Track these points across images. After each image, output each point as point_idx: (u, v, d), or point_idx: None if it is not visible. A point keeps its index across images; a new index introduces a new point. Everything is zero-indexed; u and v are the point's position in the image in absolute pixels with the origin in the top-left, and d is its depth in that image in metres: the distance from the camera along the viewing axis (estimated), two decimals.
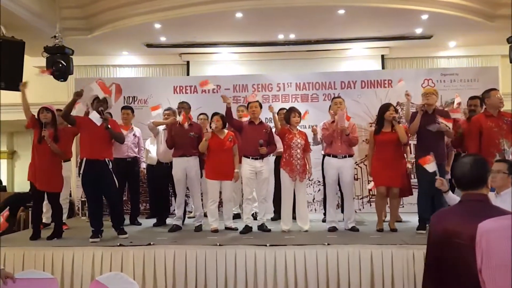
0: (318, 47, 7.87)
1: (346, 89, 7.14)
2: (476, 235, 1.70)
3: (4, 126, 7.28)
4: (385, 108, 5.07)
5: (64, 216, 5.62)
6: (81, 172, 4.78)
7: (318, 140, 5.40)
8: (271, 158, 5.54)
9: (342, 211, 5.41)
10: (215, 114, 5.33)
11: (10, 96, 5.91)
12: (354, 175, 6.66)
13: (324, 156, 5.47)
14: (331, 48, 7.97)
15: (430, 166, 3.65)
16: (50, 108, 4.89)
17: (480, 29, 7.01)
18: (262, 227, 5.13)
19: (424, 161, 3.75)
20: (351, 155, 5.17)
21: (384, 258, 4.11)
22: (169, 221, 5.74)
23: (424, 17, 6.65)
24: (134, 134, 6.07)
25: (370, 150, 5.21)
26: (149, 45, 7.70)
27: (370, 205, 6.81)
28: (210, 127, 5.28)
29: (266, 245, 4.25)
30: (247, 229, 5.02)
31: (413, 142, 6.78)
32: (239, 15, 6.48)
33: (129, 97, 7.30)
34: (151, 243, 4.36)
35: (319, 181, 6.71)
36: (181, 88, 7.33)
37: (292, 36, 7.51)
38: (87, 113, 5.56)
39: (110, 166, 4.81)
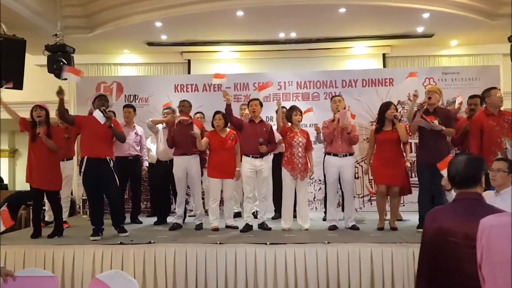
0: (319, 45, 7.87)
1: (347, 88, 7.14)
2: (477, 231, 1.70)
3: (6, 125, 7.27)
4: (385, 106, 5.06)
5: (65, 214, 5.63)
6: (82, 170, 4.78)
7: (321, 139, 5.40)
8: (270, 157, 5.54)
9: (343, 210, 5.41)
10: (217, 112, 5.33)
11: (11, 95, 5.93)
12: (355, 174, 6.69)
13: (325, 154, 5.47)
14: (332, 46, 7.96)
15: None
16: (43, 106, 4.88)
17: (481, 27, 7.00)
18: (263, 226, 5.13)
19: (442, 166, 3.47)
20: (351, 154, 5.17)
21: (384, 257, 4.11)
22: (169, 219, 5.74)
23: (426, 15, 6.64)
24: (136, 133, 6.07)
25: (370, 148, 5.22)
26: (150, 44, 7.71)
27: (371, 203, 6.80)
28: (213, 126, 5.27)
29: (266, 244, 4.24)
30: (248, 228, 5.02)
31: (413, 140, 6.80)
32: (240, 13, 6.48)
33: (130, 95, 7.32)
34: (152, 242, 4.36)
35: (320, 180, 6.71)
36: (182, 86, 7.33)
37: (293, 35, 7.50)
38: (90, 112, 5.58)
39: (111, 165, 4.81)
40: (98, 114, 4.69)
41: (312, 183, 6.80)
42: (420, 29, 7.28)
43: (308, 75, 7.30)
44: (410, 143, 6.89)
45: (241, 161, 5.21)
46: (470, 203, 2.03)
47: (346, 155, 5.09)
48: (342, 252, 4.15)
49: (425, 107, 4.86)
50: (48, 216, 5.61)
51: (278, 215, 5.80)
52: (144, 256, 4.25)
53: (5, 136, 10.44)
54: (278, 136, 5.40)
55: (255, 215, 5.46)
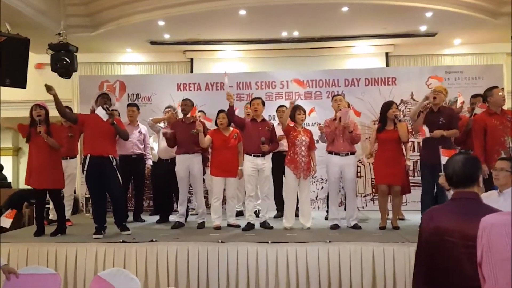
0: (321, 44, 7.86)
1: (350, 87, 7.14)
2: (475, 230, 1.70)
3: (9, 123, 7.32)
4: (387, 106, 5.06)
5: (68, 212, 5.66)
6: (85, 168, 4.79)
7: (325, 138, 5.39)
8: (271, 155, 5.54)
9: (345, 209, 5.41)
10: (220, 111, 5.34)
11: (15, 93, 5.95)
12: (357, 173, 6.69)
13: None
14: (335, 45, 7.96)
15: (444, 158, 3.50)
16: (43, 105, 4.89)
17: (485, 26, 6.98)
18: (265, 224, 5.14)
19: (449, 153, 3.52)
20: (353, 153, 5.17)
21: (385, 256, 4.10)
22: (172, 218, 5.76)
23: (429, 14, 6.62)
24: (139, 131, 6.09)
25: (371, 145, 5.26)
26: (153, 43, 7.73)
27: (373, 202, 6.79)
28: (216, 125, 5.28)
29: (268, 242, 4.25)
30: (250, 226, 5.03)
31: (416, 140, 6.79)
32: (242, 12, 6.48)
33: (133, 94, 7.33)
34: (154, 240, 4.38)
35: (322, 179, 6.71)
36: (184, 85, 7.35)
37: (295, 34, 7.50)
38: (92, 111, 5.60)
39: (114, 163, 4.82)
40: (100, 111, 4.71)
41: (314, 182, 6.80)
42: (423, 28, 7.26)
43: (310, 74, 7.29)
44: (413, 142, 6.89)
45: (243, 160, 5.22)
46: (467, 203, 2.02)
47: (348, 154, 5.09)
48: (343, 251, 4.15)
49: (428, 107, 4.85)
50: (52, 214, 5.62)
51: (280, 214, 5.81)
52: (146, 254, 4.26)
53: (9, 135, 10.50)
54: (279, 133, 5.40)
55: (257, 214, 5.46)
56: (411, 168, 6.52)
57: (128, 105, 6.25)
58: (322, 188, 6.82)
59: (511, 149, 4.51)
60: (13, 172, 10.60)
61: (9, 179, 9.81)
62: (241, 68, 8.11)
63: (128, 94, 7.36)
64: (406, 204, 6.52)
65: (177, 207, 5.64)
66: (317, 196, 6.96)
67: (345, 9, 6.43)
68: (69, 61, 5.99)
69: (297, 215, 5.26)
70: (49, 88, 4.64)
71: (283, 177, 5.75)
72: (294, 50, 7.97)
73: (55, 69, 6.04)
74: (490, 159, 4.45)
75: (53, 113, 4.96)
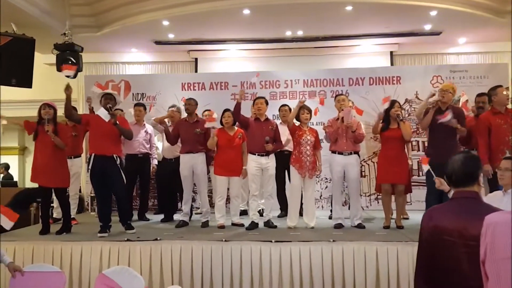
0: (326, 43, 7.85)
1: (354, 86, 7.13)
2: (474, 229, 1.70)
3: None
4: (390, 105, 5.06)
5: (74, 211, 5.70)
6: (89, 167, 4.83)
7: (328, 138, 5.40)
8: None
9: (350, 208, 5.41)
10: (226, 110, 5.35)
11: (20, 93, 6.00)
12: (362, 172, 6.69)
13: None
14: (339, 44, 7.93)
15: (426, 166, 3.68)
16: (51, 105, 4.94)
17: (490, 25, 6.94)
18: (268, 224, 5.15)
19: (424, 161, 3.76)
20: (356, 152, 5.17)
21: (389, 255, 4.11)
22: (176, 217, 5.79)
23: (433, 13, 6.59)
24: (145, 131, 6.12)
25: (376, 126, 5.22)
26: (157, 42, 7.75)
27: (378, 202, 6.78)
28: (221, 124, 5.29)
29: (271, 241, 4.26)
30: (253, 225, 5.05)
31: (421, 139, 6.77)
32: (246, 11, 6.49)
33: (137, 94, 7.36)
34: (158, 239, 4.41)
35: (326, 178, 6.71)
36: (189, 85, 7.37)
37: (299, 33, 7.49)
38: (90, 110, 5.66)
39: (118, 162, 4.85)
40: (102, 112, 4.74)
41: (318, 182, 6.80)
42: (427, 27, 7.22)
43: (314, 73, 7.29)
44: (418, 141, 6.88)
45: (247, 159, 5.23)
46: (467, 202, 2.02)
47: (351, 153, 5.10)
48: (347, 250, 4.15)
49: (437, 106, 4.82)
50: (56, 213, 5.68)
51: (284, 213, 5.82)
52: (151, 253, 4.29)
53: (15, 134, 10.56)
54: (284, 133, 5.39)
55: (261, 213, 5.48)
56: (415, 167, 6.52)
57: (135, 105, 6.30)
58: (326, 187, 6.81)
59: None
60: (19, 171, 10.66)
61: (15, 178, 9.89)
62: (245, 67, 8.11)
63: (133, 94, 7.39)
64: (411, 204, 6.52)
65: (181, 206, 5.67)
66: (321, 196, 6.96)
67: (349, 8, 6.42)
68: (75, 61, 6.03)
69: (301, 214, 5.26)
70: (67, 88, 4.68)
71: (286, 177, 5.77)
72: (298, 49, 7.95)
73: (61, 69, 6.09)
74: (495, 159, 4.44)
75: (58, 112, 5.01)
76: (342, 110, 5.06)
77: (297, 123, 5.23)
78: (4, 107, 6.15)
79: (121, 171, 4.86)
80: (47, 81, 7.35)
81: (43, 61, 7.54)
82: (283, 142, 5.43)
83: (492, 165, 4.45)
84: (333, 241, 4.23)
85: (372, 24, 7.14)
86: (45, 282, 3.08)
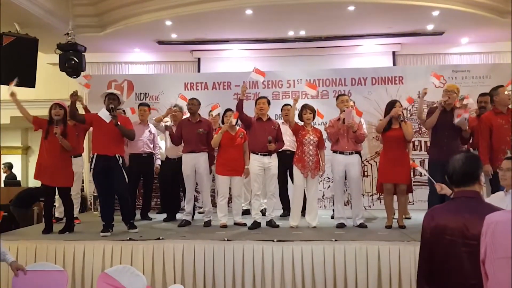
0: (328, 43, 7.84)
1: (356, 86, 7.13)
2: (474, 228, 1.70)
3: (19, 122, 7.40)
4: (391, 105, 5.08)
5: (76, 210, 5.72)
6: (92, 167, 4.85)
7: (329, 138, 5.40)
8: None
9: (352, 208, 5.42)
10: (228, 110, 5.36)
11: (24, 92, 6.01)
12: (364, 172, 6.69)
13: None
14: (341, 44, 7.93)
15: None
16: (62, 105, 4.94)
17: (492, 25, 6.92)
18: (271, 223, 5.16)
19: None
20: (358, 152, 5.18)
21: (391, 255, 4.11)
22: (179, 216, 5.80)
23: (435, 13, 6.58)
24: (149, 131, 6.14)
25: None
26: (160, 42, 7.76)
27: (380, 201, 6.77)
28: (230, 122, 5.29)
29: (273, 241, 4.28)
30: (256, 225, 5.06)
31: (423, 139, 6.77)
32: (249, 11, 6.50)
33: (140, 93, 7.38)
34: (161, 238, 4.43)
35: (329, 178, 6.71)
36: (192, 84, 7.38)
37: (302, 33, 7.49)
38: (84, 109, 5.68)
39: (121, 162, 4.87)
40: (103, 113, 4.76)
41: (321, 181, 6.80)
42: (430, 27, 7.22)
43: (317, 73, 7.29)
44: (420, 141, 6.87)
45: (249, 159, 5.24)
46: (467, 201, 2.02)
47: (352, 153, 5.10)
48: (349, 250, 4.16)
49: (443, 106, 4.82)
50: (59, 212, 5.69)
51: (286, 212, 5.82)
52: (153, 252, 4.31)
53: (18, 133, 10.61)
54: (286, 133, 5.39)
55: (263, 212, 5.49)
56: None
57: (140, 104, 6.32)
58: (329, 187, 6.82)
59: None
60: (22, 170, 10.71)
61: (18, 177, 9.93)
62: (248, 67, 8.08)
63: (136, 94, 7.41)
64: (413, 203, 6.51)
65: (184, 206, 5.68)
66: (323, 195, 6.96)
67: (351, 8, 6.42)
68: (78, 61, 6.07)
69: (303, 214, 5.27)
70: (74, 95, 4.73)
71: (288, 176, 5.78)
72: (300, 49, 7.95)
73: (64, 68, 6.12)
74: (496, 159, 4.44)
75: None
76: (344, 110, 5.06)
77: (301, 123, 5.24)
78: (7, 107, 6.18)
79: (124, 171, 4.87)
80: (50, 81, 7.39)
81: (46, 61, 7.57)
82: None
83: (493, 165, 4.45)
84: (335, 240, 4.24)
85: (374, 24, 7.14)
86: (48, 281, 3.09)
